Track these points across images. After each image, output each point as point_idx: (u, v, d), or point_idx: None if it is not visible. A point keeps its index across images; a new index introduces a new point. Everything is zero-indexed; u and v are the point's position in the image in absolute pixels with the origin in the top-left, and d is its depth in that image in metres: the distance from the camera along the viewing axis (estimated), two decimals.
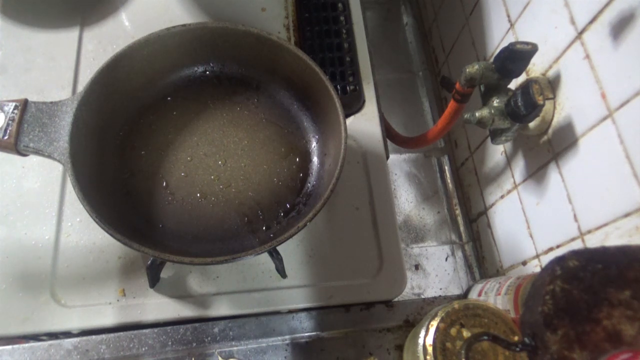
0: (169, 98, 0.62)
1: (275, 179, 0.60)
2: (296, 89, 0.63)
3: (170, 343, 0.57)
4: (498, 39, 0.70)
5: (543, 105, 0.52)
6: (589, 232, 0.52)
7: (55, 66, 0.70)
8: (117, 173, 0.57)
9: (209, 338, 0.58)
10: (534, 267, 0.65)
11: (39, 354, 0.56)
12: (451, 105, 0.65)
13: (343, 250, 0.64)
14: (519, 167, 0.67)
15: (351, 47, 0.76)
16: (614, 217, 0.48)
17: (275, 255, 0.56)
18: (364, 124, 0.71)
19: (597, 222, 0.51)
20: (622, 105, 0.46)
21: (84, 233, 0.62)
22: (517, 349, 0.35)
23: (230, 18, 0.75)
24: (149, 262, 0.56)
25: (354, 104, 0.72)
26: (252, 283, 0.61)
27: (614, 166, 0.48)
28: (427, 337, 0.47)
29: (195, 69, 0.63)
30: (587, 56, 0.51)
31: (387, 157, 0.71)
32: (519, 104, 0.53)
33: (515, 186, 0.69)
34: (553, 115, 0.57)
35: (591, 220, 0.52)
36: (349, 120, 0.71)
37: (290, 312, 0.61)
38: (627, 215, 0.47)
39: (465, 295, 0.66)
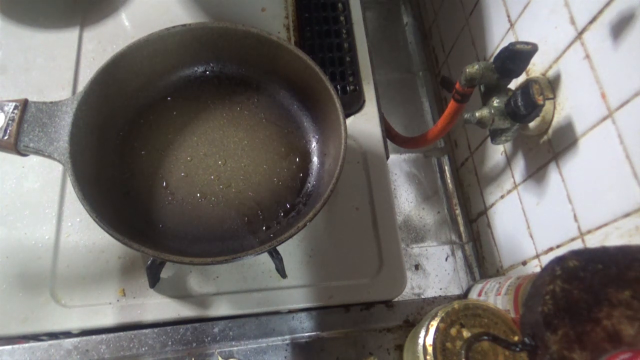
0: (169, 98, 0.62)
1: (275, 179, 0.60)
2: (296, 89, 0.63)
3: (170, 343, 0.57)
4: (498, 39, 0.70)
5: (543, 105, 0.52)
6: (589, 232, 0.52)
7: (55, 66, 0.70)
8: (117, 173, 0.57)
9: (209, 338, 0.58)
10: (534, 267, 0.65)
11: (39, 354, 0.56)
12: (451, 105, 0.65)
13: (343, 250, 0.64)
14: (519, 167, 0.67)
15: (351, 47, 0.76)
16: (614, 217, 0.48)
17: (275, 255, 0.56)
18: (364, 124, 0.71)
19: (597, 222, 0.51)
20: (622, 105, 0.46)
21: (84, 233, 0.62)
22: (517, 349, 0.35)
23: (230, 18, 0.75)
24: (149, 262, 0.56)
25: (354, 104, 0.72)
26: (252, 283, 0.61)
27: (614, 166, 0.48)
28: (427, 337, 0.47)
29: (195, 69, 0.63)
30: (587, 56, 0.51)
31: (387, 157, 0.71)
32: (519, 104, 0.53)
33: (515, 186, 0.69)
34: (553, 115, 0.57)
35: (591, 220, 0.52)
36: (349, 120, 0.71)
37: (290, 312, 0.61)
38: (627, 215, 0.46)
39: (465, 295, 0.66)
